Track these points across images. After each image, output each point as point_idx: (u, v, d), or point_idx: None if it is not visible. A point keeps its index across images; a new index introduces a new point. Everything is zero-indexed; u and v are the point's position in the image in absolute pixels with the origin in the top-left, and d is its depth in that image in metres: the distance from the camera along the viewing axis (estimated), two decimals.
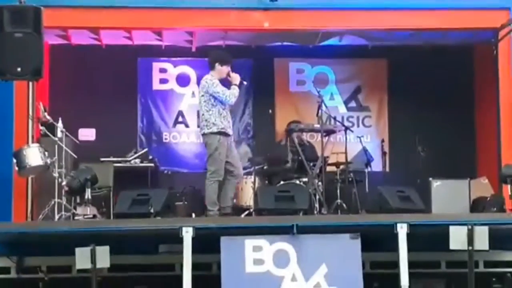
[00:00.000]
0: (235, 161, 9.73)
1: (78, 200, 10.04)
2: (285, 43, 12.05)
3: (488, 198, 10.40)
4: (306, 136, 12.04)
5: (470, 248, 7.70)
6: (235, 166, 9.70)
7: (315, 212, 10.06)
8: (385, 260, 8.69)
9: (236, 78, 9.74)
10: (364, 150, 11.61)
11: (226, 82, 9.76)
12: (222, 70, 9.76)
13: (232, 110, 10.08)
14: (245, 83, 9.96)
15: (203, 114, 9.66)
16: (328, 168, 11.07)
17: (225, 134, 9.57)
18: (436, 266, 9.11)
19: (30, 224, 9.30)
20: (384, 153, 12.49)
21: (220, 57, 9.84)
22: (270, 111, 12.02)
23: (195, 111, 12.88)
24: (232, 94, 9.61)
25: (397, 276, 7.97)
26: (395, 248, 8.03)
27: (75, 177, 9.84)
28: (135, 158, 11.72)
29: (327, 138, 10.61)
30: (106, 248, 7.75)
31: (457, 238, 7.73)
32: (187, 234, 7.97)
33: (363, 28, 11.03)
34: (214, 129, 9.53)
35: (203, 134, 9.67)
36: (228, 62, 9.78)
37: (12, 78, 9.21)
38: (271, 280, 8.03)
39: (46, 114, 10.15)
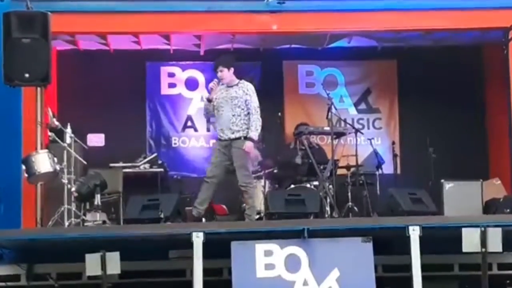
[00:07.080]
0: None
1: (87, 206, 9.98)
2: (293, 46, 11.99)
3: (501, 200, 10.33)
4: (315, 139, 11.98)
5: (483, 250, 7.62)
6: None
7: (326, 215, 9.98)
8: (397, 263, 8.60)
9: None
10: (375, 152, 11.53)
11: None
12: None
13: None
14: None
15: None
16: (339, 171, 11.00)
17: None
18: (449, 269, 9.01)
19: (39, 230, 9.25)
20: (395, 155, 12.41)
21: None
22: (280, 114, 11.95)
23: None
24: None
25: (409, 279, 7.90)
26: (407, 251, 7.96)
27: (84, 183, 9.81)
28: (144, 163, 11.68)
29: (337, 140, 10.54)
30: (117, 254, 7.71)
31: (470, 240, 7.65)
32: (198, 239, 7.92)
33: (372, 29, 10.96)
34: None
35: None
36: None
37: (20, 84, 9.21)
38: (282, 284, 7.95)
39: (54, 120, 10.09)
